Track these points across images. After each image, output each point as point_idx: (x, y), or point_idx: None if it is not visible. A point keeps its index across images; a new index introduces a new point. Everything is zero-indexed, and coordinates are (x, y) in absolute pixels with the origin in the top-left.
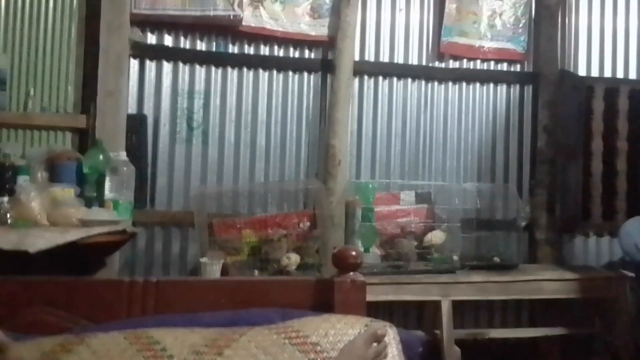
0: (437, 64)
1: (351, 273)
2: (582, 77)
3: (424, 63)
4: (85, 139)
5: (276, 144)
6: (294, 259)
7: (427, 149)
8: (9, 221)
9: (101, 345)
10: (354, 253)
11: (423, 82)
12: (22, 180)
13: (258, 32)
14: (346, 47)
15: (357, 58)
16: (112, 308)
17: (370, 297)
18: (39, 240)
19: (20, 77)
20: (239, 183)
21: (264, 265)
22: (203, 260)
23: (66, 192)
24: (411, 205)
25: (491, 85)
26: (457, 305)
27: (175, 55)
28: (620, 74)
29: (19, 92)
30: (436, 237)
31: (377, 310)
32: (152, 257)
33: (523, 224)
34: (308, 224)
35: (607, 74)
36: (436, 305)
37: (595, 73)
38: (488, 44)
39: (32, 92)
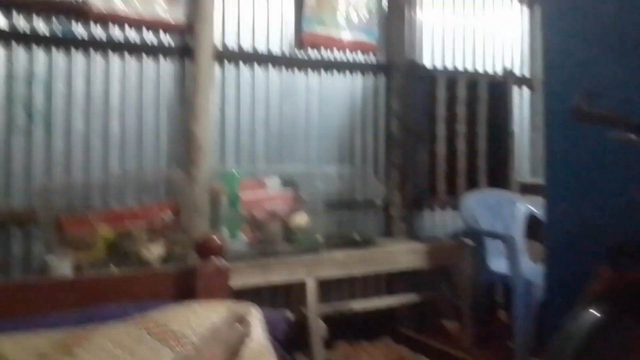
0: (297, 52)
1: (213, 259)
2: (428, 68)
3: (285, 51)
4: None
5: (132, 132)
6: (155, 250)
7: (290, 135)
8: None
9: None
10: (215, 238)
11: (284, 70)
12: None
13: (109, 15)
14: (204, 31)
15: (218, 44)
16: None
17: (237, 282)
18: None
19: None
20: (90, 175)
21: (122, 260)
22: (49, 258)
23: None
24: (277, 190)
25: (348, 74)
26: (322, 284)
27: (9, 37)
28: (459, 66)
29: None
30: (300, 219)
31: (246, 295)
32: None
33: (379, 202)
34: (171, 214)
35: (449, 65)
36: (302, 284)
37: (438, 64)
38: (345, 35)
39: None
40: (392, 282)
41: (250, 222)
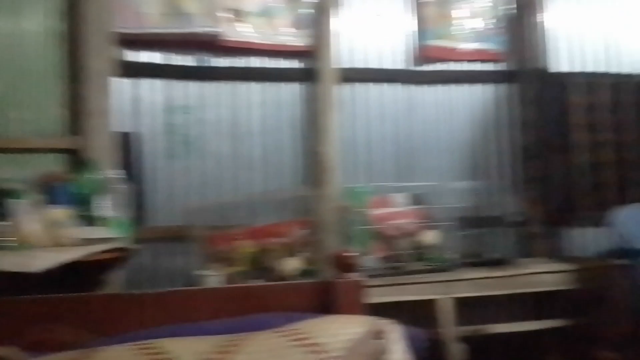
0: (417, 67)
1: (349, 274)
2: (560, 73)
3: (404, 67)
4: (76, 160)
5: (264, 155)
6: (292, 265)
7: (418, 150)
8: (8, 244)
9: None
10: (350, 254)
11: (405, 86)
12: (19, 203)
13: (239, 45)
14: (327, 55)
15: (339, 65)
16: (117, 322)
17: (369, 299)
18: (40, 261)
19: (8, 101)
20: (231, 195)
21: (262, 274)
22: (202, 272)
23: (62, 212)
24: (405, 207)
25: (472, 85)
26: (456, 303)
27: (161, 71)
28: (599, 68)
29: (6, 117)
30: (431, 236)
31: (378, 312)
32: (153, 273)
33: (515, 219)
34: (303, 231)
35: (585, 68)
36: (436, 303)
37: (572, 68)
38: (466, 45)
39: (18, 116)
40: (535, 305)
41: (379, 239)
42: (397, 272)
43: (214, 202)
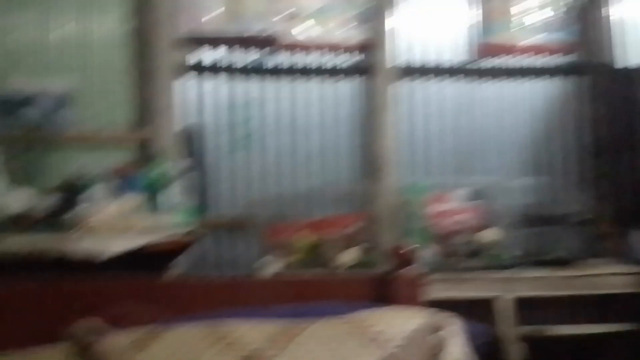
0: (479, 61)
1: (408, 267)
2: (629, 68)
3: (466, 61)
4: (146, 151)
5: (323, 149)
6: (350, 257)
7: (479, 146)
8: (84, 230)
9: (178, 338)
10: (409, 248)
11: (466, 80)
12: (93, 191)
13: (296, 44)
14: (384, 50)
15: (396, 60)
16: (186, 304)
17: (428, 295)
18: (113, 246)
19: (85, 98)
20: (290, 188)
21: (320, 265)
22: (263, 261)
23: (132, 200)
24: (464, 203)
25: (536, 79)
26: (516, 302)
27: (219, 70)
28: None
29: (84, 112)
30: (491, 234)
31: (436, 307)
32: (215, 260)
33: (581, 218)
34: (361, 224)
35: None
36: (495, 302)
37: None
38: (529, 38)
39: (95, 111)
40: (600, 307)
41: (436, 235)
42: (455, 268)
43: (274, 195)
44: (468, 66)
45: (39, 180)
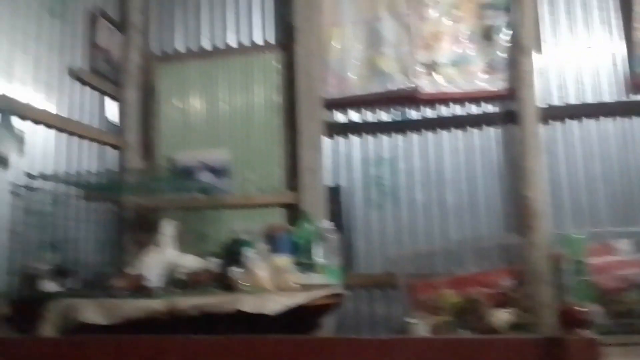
0: (629, 97)
1: (580, 331)
2: None
3: (615, 98)
4: (293, 212)
5: (467, 201)
6: (503, 317)
7: (637, 190)
8: (243, 288)
9: None
10: (580, 309)
11: (618, 119)
12: (248, 252)
13: (435, 97)
14: (528, 95)
15: (541, 104)
16: None
17: None
18: (275, 304)
19: (240, 166)
20: (433, 242)
21: (469, 325)
22: (410, 320)
23: (284, 260)
24: (631, 255)
25: None
26: None
27: (362, 129)
28: None
29: (239, 178)
30: None
31: None
32: (359, 319)
33: None
34: (511, 281)
35: None
36: None
37: None
38: None
39: (248, 177)
40: None
41: (600, 292)
42: (629, 330)
43: (418, 250)
44: (619, 103)
45: (207, 241)
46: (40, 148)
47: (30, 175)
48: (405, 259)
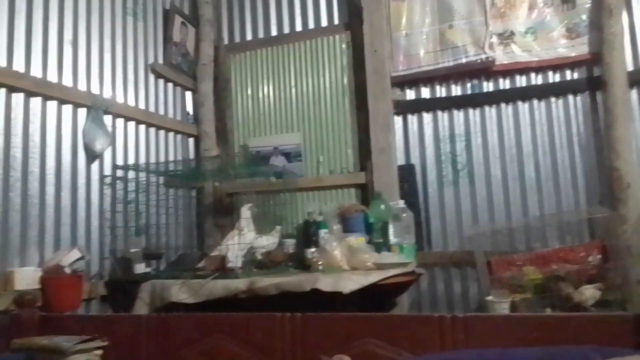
0: None
1: None
2: None
3: None
4: (366, 193)
5: (547, 175)
6: (589, 294)
7: None
8: (320, 268)
9: None
10: None
11: None
12: (322, 233)
13: (512, 67)
14: (615, 59)
15: (630, 68)
16: (426, 342)
17: None
18: (350, 283)
19: (311, 148)
20: (512, 218)
21: (553, 302)
22: (489, 298)
23: (359, 240)
24: None
25: None
26: None
27: (433, 105)
28: None
29: (311, 161)
30: None
31: None
32: (435, 297)
33: None
34: (598, 256)
35: None
36: None
37: None
38: None
39: (321, 159)
40: None
41: None
42: None
43: (496, 227)
44: None
45: (284, 222)
46: (129, 140)
47: (119, 166)
48: (483, 236)
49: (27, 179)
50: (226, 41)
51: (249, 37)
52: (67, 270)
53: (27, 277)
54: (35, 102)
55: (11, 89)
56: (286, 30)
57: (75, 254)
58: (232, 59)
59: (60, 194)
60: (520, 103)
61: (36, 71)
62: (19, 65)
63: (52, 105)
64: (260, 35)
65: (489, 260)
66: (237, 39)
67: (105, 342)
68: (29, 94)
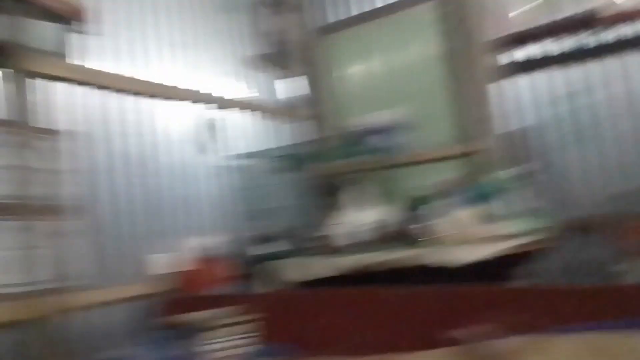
0: None
1: None
2: None
3: None
4: (476, 162)
5: None
6: None
7: None
8: (427, 242)
9: (559, 348)
10: None
11: None
12: (430, 208)
13: (620, 13)
14: None
15: None
16: (559, 313)
17: None
18: (460, 256)
19: (411, 123)
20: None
21: None
22: (620, 267)
23: (469, 212)
24: None
25: None
26: None
27: (539, 63)
28: None
29: (418, 135)
30: None
31: None
32: (565, 265)
33: None
34: None
35: None
36: None
37: None
38: None
39: (422, 133)
40: None
41: None
42: None
43: (629, 189)
44: None
45: (387, 199)
46: (243, 130)
47: (234, 156)
48: (613, 200)
49: (160, 173)
50: (313, 26)
51: (332, 19)
52: (208, 253)
53: (167, 263)
54: (155, 104)
55: (137, 94)
56: (378, 4)
57: (213, 238)
58: (320, 42)
59: (188, 186)
60: (634, 53)
61: (152, 76)
62: (138, 72)
63: (170, 106)
64: (354, 12)
65: (625, 226)
66: (322, 22)
67: (257, 314)
68: (151, 96)
